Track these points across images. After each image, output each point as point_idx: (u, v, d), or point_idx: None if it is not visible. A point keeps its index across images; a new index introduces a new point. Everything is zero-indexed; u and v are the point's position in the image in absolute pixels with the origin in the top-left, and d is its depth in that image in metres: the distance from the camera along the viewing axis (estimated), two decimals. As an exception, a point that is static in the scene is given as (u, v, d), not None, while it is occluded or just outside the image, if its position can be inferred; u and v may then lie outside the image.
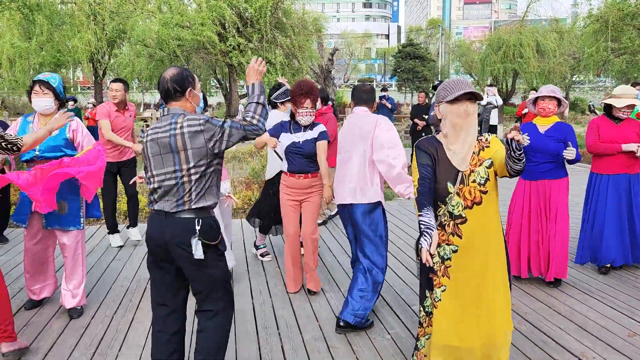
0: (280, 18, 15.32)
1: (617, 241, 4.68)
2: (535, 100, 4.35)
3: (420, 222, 2.35)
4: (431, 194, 2.52)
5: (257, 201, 5.42)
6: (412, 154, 9.42)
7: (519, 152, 2.30)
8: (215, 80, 19.44)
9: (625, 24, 16.29)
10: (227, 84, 16.28)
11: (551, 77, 22.86)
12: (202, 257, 2.53)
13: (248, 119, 2.59)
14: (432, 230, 2.30)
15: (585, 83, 35.61)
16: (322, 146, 4.19)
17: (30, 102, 3.85)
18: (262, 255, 5.33)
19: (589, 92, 36.32)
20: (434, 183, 2.58)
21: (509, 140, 2.28)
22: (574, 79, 26.78)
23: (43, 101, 3.77)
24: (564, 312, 3.95)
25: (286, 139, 4.22)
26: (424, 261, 2.21)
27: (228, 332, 2.76)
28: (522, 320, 3.80)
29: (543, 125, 4.32)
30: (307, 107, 4.12)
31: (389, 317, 3.90)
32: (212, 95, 27.93)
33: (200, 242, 2.53)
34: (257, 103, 2.64)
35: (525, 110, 10.42)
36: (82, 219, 3.97)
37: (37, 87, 3.79)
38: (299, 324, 3.81)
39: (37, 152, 3.77)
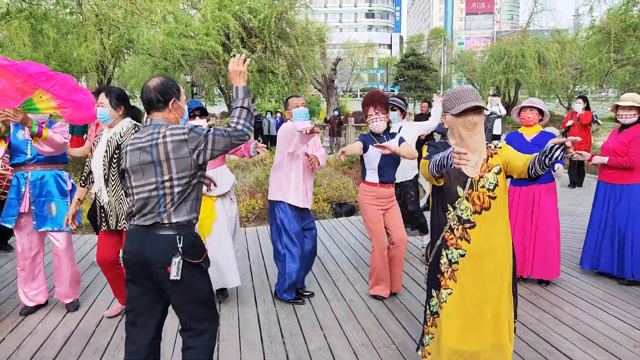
0: (284, 28, 15.39)
1: (594, 249, 4.87)
2: (519, 112, 4.68)
3: (434, 160, 2.36)
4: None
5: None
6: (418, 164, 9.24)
7: (550, 162, 2.29)
8: (218, 90, 19.53)
9: (627, 35, 16.33)
10: (231, 94, 16.33)
11: (553, 87, 22.92)
12: (178, 278, 2.37)
13: (233, 125, 2.43)
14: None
15: (588, 94, 35.69)
16: (406, 147, 4.26)
17: None
18: None
19: (591, 103, 36.34)
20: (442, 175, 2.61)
21: (554, 147, 2.23)
22: (576, 89, 26.80)
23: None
24: (569, 322, 3.94)
25: (377, 152, 4.23)
26: (459, 157, 2.17)
27: (213, 349, 2.63)
28: (527, 330, 3.79)
29: (529, 134, 4.60)
30: (371, 115, 4.26)
31: (394, 326, 3.90)
32: (215, 105, 28.06)
33: (181, 261, 2.39)
34: (242, 107, 2.46)
35: (570, 123, 9.79)
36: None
37: None
38: (303, 333, 3.81)
39: (28, 156, 4.01)
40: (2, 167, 5.24)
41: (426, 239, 5.67)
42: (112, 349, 3.56)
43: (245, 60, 2.56)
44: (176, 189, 2.41)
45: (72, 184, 4.25)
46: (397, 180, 5.31)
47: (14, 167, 4.12)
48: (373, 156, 4.26)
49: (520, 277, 4.73)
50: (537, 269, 4.66)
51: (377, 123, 4.24)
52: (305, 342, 3.66)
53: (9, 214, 4.07)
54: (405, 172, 5.29)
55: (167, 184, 2.40)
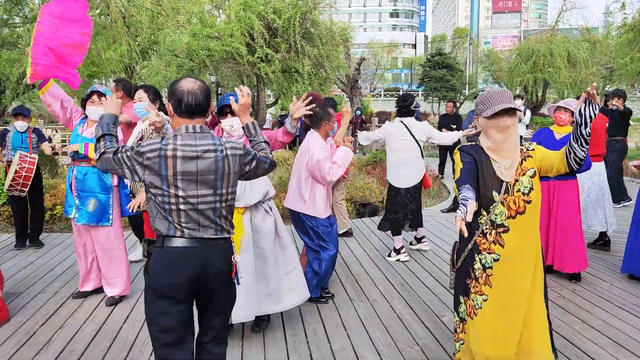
0: (308, 28, 15.39)
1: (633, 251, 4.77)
2: (554, 111, 4.76)
3: (460, 197, 2.28)
4: (472, 181, 2.46)
5: (390, 210, 5.59)
6: (439, 163, 9.26)
7: (587, 129, 2.27)
8: (243, 90, 19.63)
9: (660, 33, 15.88)
10: (255, 94, 16.44)
11: (583, 87, 22.40)
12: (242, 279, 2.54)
13: (266, 154, 2.59)
14: (469, 201, 2.21)
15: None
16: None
17: (84, 108, 4.25)
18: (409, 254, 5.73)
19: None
20: (477, 180, 2.56)
21: (586, 102, 2.22)
22: (606, 89, 26.17)
23: (98, 110, 4.16)
24: (598, 326, 3.86)
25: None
26: (457, 229, 2.15)
27: None
28: (556, 334, 3.71)
29: (559, 133, 4.71)
30: None
31: (418, 328, 3.87)
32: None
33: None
34: (266, 142, 2.66)
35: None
36: (111, 217, 4.25)
37: (94, 97, 4.20)
38: (327, 333, 3.81)
39: (76, 154, 4.21)
40: (17, 164, 5.37)
41: (421, 232, 5.77)
42: (140, 345, 3.62)
43: (248, 93, 2.75)
44: (229, 203, 2.41)
45: (119, 179, 4.38)
46: (404, 186, 5.44)
47: (73, 160, 4.34)
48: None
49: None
50: (557, 261, 4.74)
51: None
52: (329, 342, 3.66)
53: (66, 205, 4.38)
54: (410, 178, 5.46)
55: (224, 197, 2.37)
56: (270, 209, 3.75)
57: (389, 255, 5.64)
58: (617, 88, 9.93)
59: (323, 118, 4.13)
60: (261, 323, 3.83)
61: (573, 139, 2.36)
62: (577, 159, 2.39)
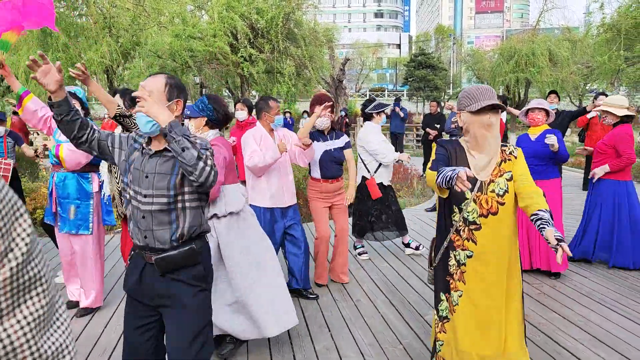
0: (292, 29, 15.38)
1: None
2: (526, 113, 4.88)
3: (444, 175, 2.23)
4: (446, 166, 2.49)
5: (354, 210, 5.71)
6: (423, 162, 9.24)
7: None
8: (227, 91, 19.58)
9: (638, 32, 16.12)
10: (239, 94, 16.39)
11: (564, 85, 22.67)
12: None
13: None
14: (457, 169, 2.21)
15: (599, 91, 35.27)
16: (349, 154, 4.86)
17: None
18: (360, 254, 5.74)
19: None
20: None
21: (549, 240, 2.25)
22: (587, 87, 26.51)
23: None
24: (579, 322, 3.90)
25: (318, 147, 4.60)
26: (461, 183, 2.12)
27: None
28: (537, 330, 3.76)
29: (534, 134, 4.86)
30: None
31: (401, 327, 3.88)
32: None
33: None
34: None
35: (592, 115, 8.85)
36: (91, 224, 4.11)
37: None
38: (310, 333, 3.80)
39: (55, 158, 4.04)
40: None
41: (406, 238, 5.81)
42: (120, 350, 3.58)
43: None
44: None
45: (102, 183, 4.26)
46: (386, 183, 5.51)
47: (52, 166, 4.20)
48: (317, 152, 4.62)
49: (525, 270, 4.91)
50: (543, 260, 4.88)
51: (321, 120, 4.57)
52: (312, 343, 3.65)
53: (47, 212, 4.27)
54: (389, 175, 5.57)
55: None
56: (215, 231, 3.30)
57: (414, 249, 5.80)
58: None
59: (262, 109, 4.22)
60: (225, 346, 3.43)
61: (534, 223, 2.39)
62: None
